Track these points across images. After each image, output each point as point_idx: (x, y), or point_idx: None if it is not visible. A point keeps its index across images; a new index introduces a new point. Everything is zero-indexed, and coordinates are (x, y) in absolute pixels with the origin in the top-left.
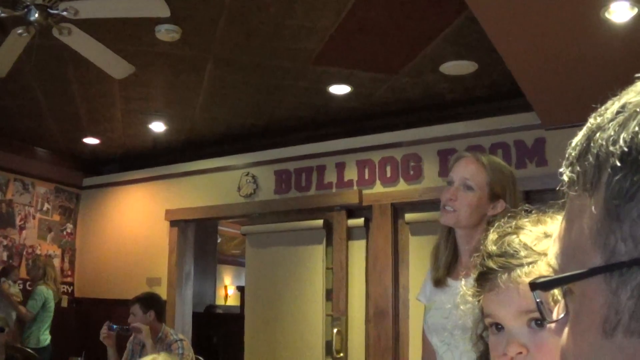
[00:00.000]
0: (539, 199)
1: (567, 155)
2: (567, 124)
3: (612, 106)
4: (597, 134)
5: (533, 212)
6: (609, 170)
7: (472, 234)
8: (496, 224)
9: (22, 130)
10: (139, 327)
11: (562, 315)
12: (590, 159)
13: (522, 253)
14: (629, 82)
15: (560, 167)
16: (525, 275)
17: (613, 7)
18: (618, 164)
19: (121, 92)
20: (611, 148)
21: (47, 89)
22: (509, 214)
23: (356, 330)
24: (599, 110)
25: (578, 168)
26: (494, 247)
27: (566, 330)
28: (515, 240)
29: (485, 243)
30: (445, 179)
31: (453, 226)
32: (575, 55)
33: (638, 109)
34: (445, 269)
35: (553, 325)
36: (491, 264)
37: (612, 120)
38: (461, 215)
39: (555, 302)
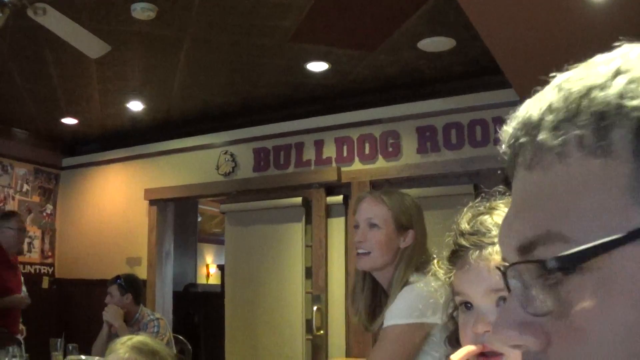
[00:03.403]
0: None
1: (534, 121)
2: None
3: (599, 67)
4: (595, 93)
5: (507, 193)
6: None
7: (389, 271)
8: (470, 204)
9: None
10: (108, 318)
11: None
12: (591, 118)
13: (494, 232)
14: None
15: None
16: (496, 253)
17: None
18: None
19: (98, 71)
20: (634, 102)
21: (24, 70)
22: (482, 195)
23: (336, 307)
24: (567, 76)
25: (572, 131)
26: (467, 226)
27: (568, 324)
28: (487, 219)
29: (458, 222)
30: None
31: (370, 270)
32: (553, 31)
33: None
34: (366, 313)
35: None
36: (463, 241)
37: (612, 78)
38: (374, 255)
39: None
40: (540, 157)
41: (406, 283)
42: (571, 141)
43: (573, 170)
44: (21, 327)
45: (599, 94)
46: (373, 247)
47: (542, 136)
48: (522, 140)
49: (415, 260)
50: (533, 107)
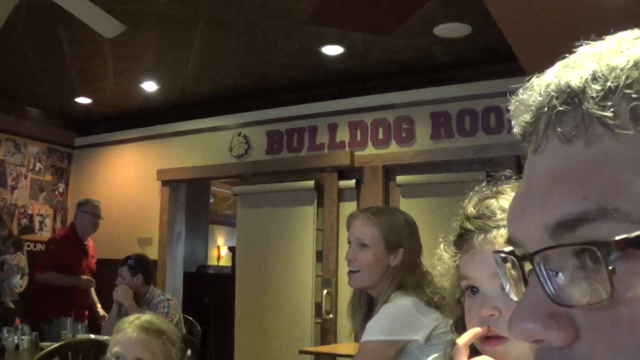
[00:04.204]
0: None
1: (575, 89)
2: None
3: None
4: None
5: (513, 178)
6: None
7: (381, 287)
8: (476, 189)
9: (13, 90)
10: (118, 297)
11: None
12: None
13: (499, 215)
14: None
15: None
16: (501, 237)
17: None
18: None
19: (113, 51)
20: None
21: (39, 48)
22: (488, 180)
23: (346, 291)
24: (603, 47)
25: (624, 103)
26: (473, 210)
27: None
28: (493, 203)
29: (464, 206)
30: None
31: (360, 288)
32: (569, 19)
33: None
34: (362, 327)
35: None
36: (468, 225)
37: None
38: (364, 274)
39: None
40: (586, 128)
41: (387, 300)
42: (624, 113)
43: (627, 144)
44: (102, 312)
45: None
46: (362, 266)
47: (587, 105)
48: (560, 108)
49: (400, 278)
50: (569, 74)
